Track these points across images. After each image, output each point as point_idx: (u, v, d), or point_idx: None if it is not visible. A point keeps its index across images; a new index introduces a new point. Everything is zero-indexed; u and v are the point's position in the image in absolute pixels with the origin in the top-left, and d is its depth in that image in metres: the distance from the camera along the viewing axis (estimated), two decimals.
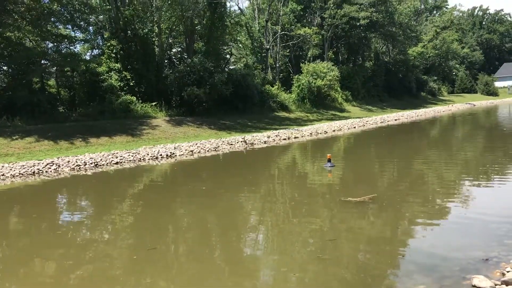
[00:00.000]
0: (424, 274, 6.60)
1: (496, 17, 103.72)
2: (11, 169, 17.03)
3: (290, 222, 9.90)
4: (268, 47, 44.55)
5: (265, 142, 25.19)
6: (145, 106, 29.80)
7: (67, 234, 9.92)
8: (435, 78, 74.83)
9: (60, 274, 7.54)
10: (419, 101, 62.31)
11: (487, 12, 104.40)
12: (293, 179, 15.61)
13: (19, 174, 16.78)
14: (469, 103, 63.84)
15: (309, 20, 52.06)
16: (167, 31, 35.32)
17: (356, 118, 39.60)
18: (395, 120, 40.09)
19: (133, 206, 12.29)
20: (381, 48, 63.10)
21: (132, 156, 20.05)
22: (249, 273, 7.32)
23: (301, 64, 44.05)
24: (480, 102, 67.68)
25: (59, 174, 17.15)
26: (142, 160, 19.80)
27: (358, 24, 48.45)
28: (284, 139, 26.52)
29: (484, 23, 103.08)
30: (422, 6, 78.74)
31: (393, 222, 9.40)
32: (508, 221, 8.91)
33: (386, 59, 62.66)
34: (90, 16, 31.82)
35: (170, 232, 9.84)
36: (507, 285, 5.94)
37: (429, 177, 14.28)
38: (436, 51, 70.34)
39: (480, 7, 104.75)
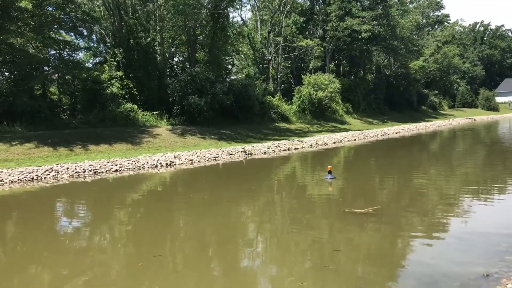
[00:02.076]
0: None
1: (497, 33, 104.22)
2: (9, 175, 16.97)
3: (294, 232, 9.87)
4: (270, 58, 44.69)
5: (265, 152, 25.13)
6: (146, 114, 29.80)
7: (69, 241, 9.85)
8: (436, 92, 74.96)
9: (65, 280, 7.49)
10: (420, 115, 62.36)
11: (488, 27, 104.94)
12: (294, 190, 15.55)
13: (18, 180, 16.71)
14: (470, 118, 63.90)
15: (311, 32, 52.29)
16: (169, 41, 35.46)
17: (356, 130, 39.58)
18: (396, 133, 40.07)
19: (135, 214, 12.23)
20: (383, 61, 63.31)
21: (131, 164, 19.99)
22: (257, 281, 7.42)
23: (303, 76, 44.11)
24: (481, 117, 67.76)
25: (58, 180, 17.07)
26: (142, 168, 19.73)
27: (360, 37, 48.59)
28: (284, 150, 26.46)
29: (485, 38, 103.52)
30: (424, 21, 79.10)
31: (395, 235, 9.36)
32: (509, 237, 8.84)
33: (387, 72, 62.84)
34: (93, 25, 31.98)
35: (174, 240, 9.81)
36: None
37: (430, 191, 14.20)
38: (438, 65, 70.56)
39: (481, 22, 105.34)
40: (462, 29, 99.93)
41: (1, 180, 16.47)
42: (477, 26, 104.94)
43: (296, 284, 7.03)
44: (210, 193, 14.74)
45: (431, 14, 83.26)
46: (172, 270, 7.91)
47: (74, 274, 7.72)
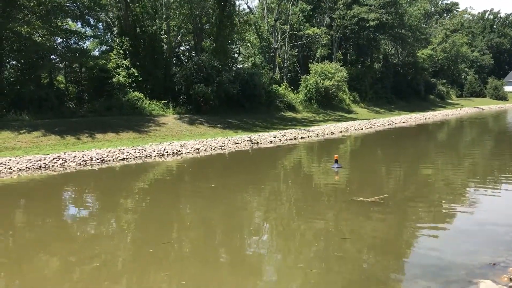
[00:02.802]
0: (430, 277, 6.53)
1: (507, 21, 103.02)
2: (18, 163, 17.09)
3: (302, 221, 9.92)
4: (276, 46, 44.48)
5: (271, 141, 25.12)
6: (152, 103, 29.83)
7: (79, 228, 9.93)
8: (444, 81, 74.40)
9: (76, 267, 7.59)
10: (427, 104, 62.01)
11: (498, 15, 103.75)
12: (300, 179, 15.56)
13: (26, 167, 16.83)
14: (478, 107, 63.46)
15: (318, 20, 51.90)
16: (175, 29, 35.34)
17: (363, 119, 39.44)
18: (403, 122, 39.88)
19: (142, 202, 12.30)
20: (390, 50, 62.81)
21: (138, 152, 20.07)
22: (267, 268, 7.54)
23: (309, 64, 43.88)
24: (489, 106, 67.26)
25: (65, 169, 17.18)
26: (148, 157, 19.81)
27: (367, 25, 48.20)
28: (291, 139, 26.44)
29: (494, 26, 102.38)
30: (432, 9, 78.34)
31: (402, 223, 9.39)
32: None
33: (395, 61, 62.38)
34: (100, 13, 31.93)
35: (182, 228, 9.88)
36: None
37: (437, 181, 14.16)
38: (446, 54, 69.95)
39: (491, 10, 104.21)
40: (471, 17, 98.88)
41: (10, 168, 16.60)
42: (487, 14, 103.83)
43: (305, 271, 7.09)
44: (217, 181, 14.78)
45: (440, 2, 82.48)
46: (182, 256, 8.00)
47: (85, 261, 7.81)
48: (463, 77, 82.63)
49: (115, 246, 8.61)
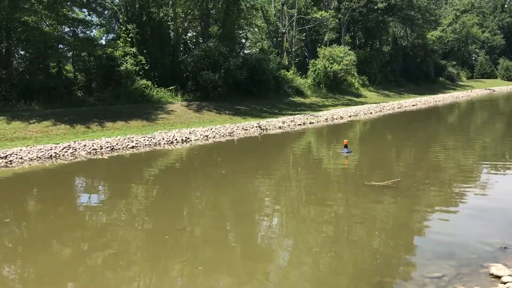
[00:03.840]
0: (442, 261, 6.53)
1: None
2: (29, 153, 17.23)
3: (315, 205, 9.98)
4: (284, 31, 44.10)
5: (280, 127, 25.07)
6: (161, 90, 29.82)
7: (95, 216, 10.03)
8: (454, 63, 73.43)
9: (99, 252, 7.74)
10: (437, 86, 61.35)
11: None
12: (310, 165, 15.55)
13: (37, 157, 16.97)
14: (489, 89, 62.70)
15: (326, 3, 51.27)
16: (182, 15, 35.12)
17: (372, 103, 39.15)
18: (413, 105, 39.57)
19: (155, 190, 12.39)
20: (399, 32, 62.00)
21: (147, 140, 20.14)
22: (283, 252, 7.66)
23: (317, 49, 43.49)
24: (500, 87, 66.41)
25: (76, 157, 17.30)
26: (158, 145, 19.88)
27: (376, 7, 47.57)
28: (299, 124, 26.36)
29: (506, 6, 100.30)
30: None
31: (415, 207, 9.40)
32: None
33: (404, 44, 61.60)
34: (106, 0, 31.78)
35: (196, 214, 9.98)
36: None
37: (448, 164, 14.08)
38: (456, 35, 68.91)
39: None
40: None
41: (21, 158, 16.74)
42: None
43: (319, 255, 7.14)
44: (227, 168, 14.82)
45: None
46: (197, 242, 8.10)
47: (101, 247, 7.94)
48: (473, 58, 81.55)
49: (131, 233, 8.71)
